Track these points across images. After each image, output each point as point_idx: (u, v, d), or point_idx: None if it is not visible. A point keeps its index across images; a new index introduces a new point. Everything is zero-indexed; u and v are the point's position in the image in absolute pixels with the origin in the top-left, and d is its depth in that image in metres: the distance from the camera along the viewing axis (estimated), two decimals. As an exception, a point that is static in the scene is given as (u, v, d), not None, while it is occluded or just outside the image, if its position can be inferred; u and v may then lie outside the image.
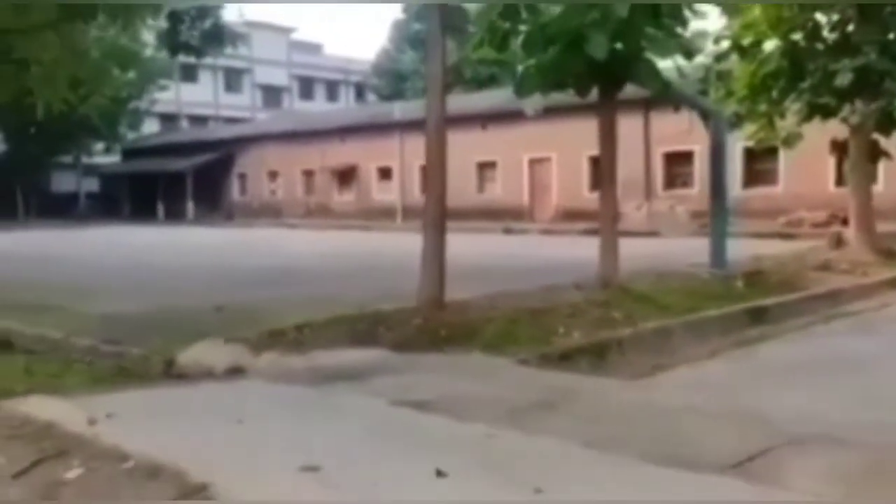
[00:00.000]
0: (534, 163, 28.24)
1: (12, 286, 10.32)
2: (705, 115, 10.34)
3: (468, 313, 6.73)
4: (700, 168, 22.57)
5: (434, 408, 4.15)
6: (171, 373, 5.57)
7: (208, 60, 31.81)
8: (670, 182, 25.30)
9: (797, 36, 12.45)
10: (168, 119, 48.50)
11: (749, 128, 13.46)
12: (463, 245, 10.94)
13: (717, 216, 10.18)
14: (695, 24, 10.41)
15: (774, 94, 12.61)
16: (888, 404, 4.62)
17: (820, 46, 12.37)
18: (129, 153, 44.23)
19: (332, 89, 57.20)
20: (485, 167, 29.41)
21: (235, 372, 5.38)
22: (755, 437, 3.55)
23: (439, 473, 2.98)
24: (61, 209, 40.89)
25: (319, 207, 34.94)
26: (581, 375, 5.28)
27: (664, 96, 9.52)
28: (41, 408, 4.03)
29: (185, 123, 49.88)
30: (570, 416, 4.13)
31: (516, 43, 7.94)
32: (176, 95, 46.78)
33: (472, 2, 8.39)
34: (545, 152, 27.56)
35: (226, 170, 39.17)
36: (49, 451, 3.34)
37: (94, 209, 43.20)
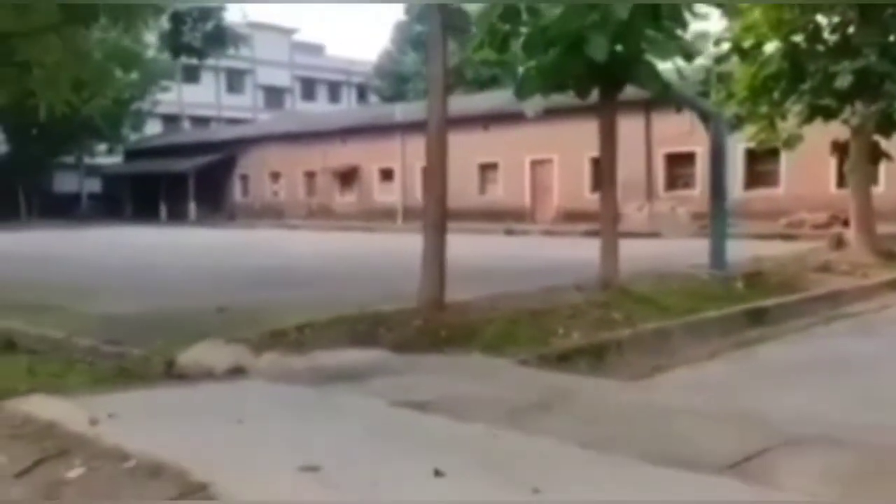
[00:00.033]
0: (535, 164, 28.26)
1: (15, 286, 10.36)
2: (705, 117, 10.36)
3: (468, 314, 6.74)
4: (701, 169, 22.57)
5: (434, 408, 4.17)
6: (172, 373, 5.60)
7: (210, 61, 31.88)
8: (672, 183, 25.31)
9: (798, 38, 12.47)
10: (170, 120, 48.58)
11: (750, 129, 13.47)
12: (464, 246, 10.96)
13: (717, 217, 10.19)
14: (696, 26, 10.47)
15: (775, 95, 12.63)
16: (887, 406, 4.63)
17: (820, 48, 12.38)
18: (132, 154, 44.32)
19: (334, 90, 57.27)
20: (486, 168, 29.43)
21: (236, 372, 5.40)
22: (753, 438, 3.57)
23: (437, 473, 3.00)
24: (63, 210, 40.97)
25: (321, 208, 34.98)
26: (580, 376, 5.30)
27: (664, 98, 9.53)
28: (43, 407, 4.05)
29: (187, 124, 49.95)
30: (568, 417, 4.15)
31: (517, 45, 7.96)
32: (178, 96, 46.85)
33: (473, 2, 8.41)
34: (547, 153, 27.58)
35: (228, 171, 39.22)
36: (51, 450, 3.36)
37: (97, 210, 43.28)
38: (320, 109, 51.14)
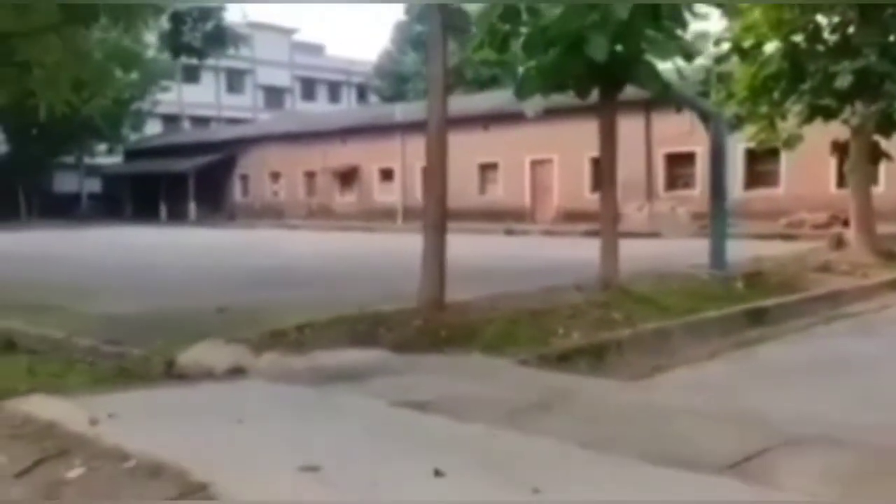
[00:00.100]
0: (535, 164, 28.26)
1: (15, 286, 10.36)
2: (705, 117, 10.36)
3: (468, 314, 6.75)
4: (702, 169, 22.58)
5: (434, 408, 4.17)
6: (173, 373, 5.60)
7: (210, 61, 31.88)
8: (672, 183, 25.31)
9: (798, 38, 12.47)
10: (170, 120, 48.59)
11: (750, 129, 13.47)
12: (464, 246, 10.96)
13: (716, 217, 10.20)
14: (696, 26, 10.46)
15: (775, 95, 12.63)
16: (887, 406, 4.63)
17: (821, 48, 12.38)
18: (132, 154, 44.33)
19: (334, 90, 57.29)
20: (486, 168, 29.43)
21: (236, 372, 5.40)
22: (753, 438, 3.57)
23: (437, 473, 3.00)
24: (63, 209, 40.98)
25: (321, 208, 34.99)
26: (580, 376, 5.30)
27: (664, 98, 9.53)
28: (43, 407, 4.06)
29: (187, 124, 49.96)
30: (568, 417, 4.15)
31: (517, 45, 7.96)
32: (178, 96, 46.87)
33: (473, 1, 8.41)
34: (547, 153, 27.58)
35: (228, 171, 39.23)
36: (51, 450, 3.36)
37: (97, 210, 43.30)
38: (320, 109, 51.16)
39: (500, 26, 7.84)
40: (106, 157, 43.30)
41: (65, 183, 44.45)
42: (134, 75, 36.96)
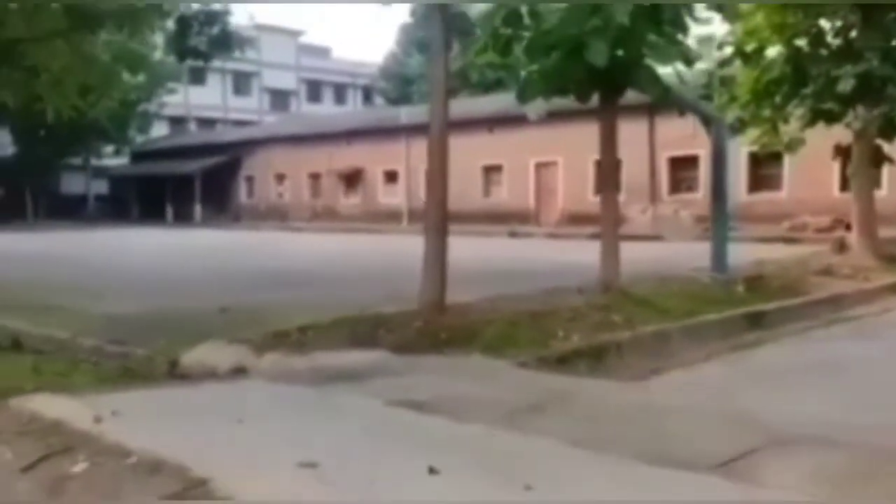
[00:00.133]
0: (540, 167, 28.32)
1: (21, 286, 10.47)
2: (707, 121, 10.40)
3: (469, 316, 6.80)
4: (705, 172, 22.57)
5: (432, 408, 4.23)
6: (175, 373, 5.67)
7: (217, 64, 31.96)
8: (675, 186, 25.35)
9: (801, 42, 12.51)
10: (177, 122, 48.81)
11: (752, 133, 13.51)
12: (467, 248, 11.02)
13: (718, 221, 10.24)
14: (701, 30, 10.50)
15: (777, 99, 12.66)
16: (881, 408, 4.67)
17: (823, 52, 12.42)
18: (138, 156, 44.56)
19: (339, 92, 57.46)
20: (491, 171, 29.51)
21: (238, 372, 5.47)
22: (744, 438, 3.62)
23: (432, 471, 3.06)
24: (70, 211, 41.22)
25: (326, 210, 35.10)
26: (578, 378, 5.35)
27: (665, 102, 9.58)
28: (48, 406, 4.14)
29: (193, 126, 50.19)
30: (565, 417, 4.20)
31: (519, 49, 8.02)
32: (184, 98, 47.08)
33: (475, 1, 8.48)
34: (551, 156, 27.64)
35: (233, 172, 39.39)
36: (56, 446, 3.44)
37: (103, 211, 43.52)
38: (326, 111, 51.34)
39: (503, 30, 7.91)
40: (113, 159, 43.54)
41: (72, 184, 44.70)
42: (140, 77, 37.05)
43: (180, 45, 11.00)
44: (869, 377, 5.64)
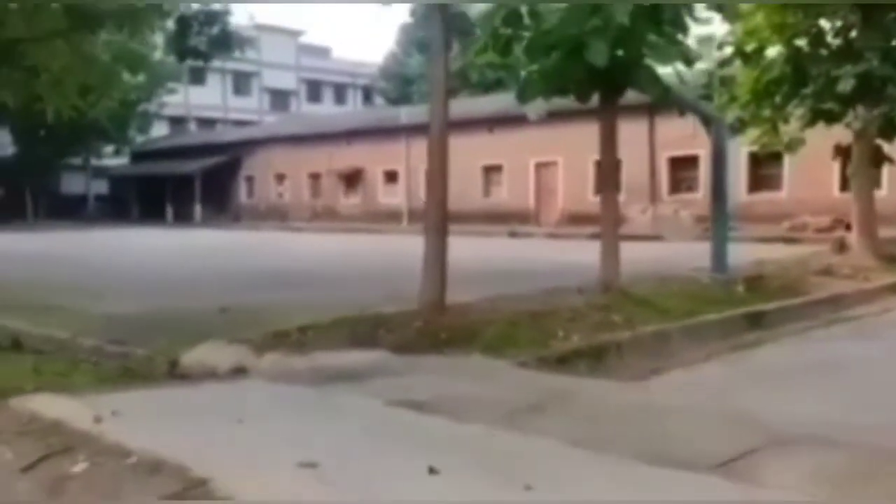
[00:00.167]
0: (540, 167, 28.33)
1: (21, 286, 10.48)
2: (706, 121, 10.41)
3: (469, 316, 6.80)
4: (705, 172, 22.57)
5: (432, 408, 4.23)
6: (175, 373, 5.68)
7: (217, 64, 31.99)
8: (675, 186, 25.36)
9: (801, 42, 12.52)
10: (177, 122, 48.83)
11: (752, 133, 13.51)
12: (467, 248, 11.02)
13: (718, 221, 10.24)
14: (702, 30, 10.49)
15: (777, 99, 12.67)
16: (880, 407, 4.68)
17: (823, 52, 12.42)
18: (138, 156, 44.58)
19: (339, 92, 57.48)
20: (491, 171, 29.52)
21: (238, 372, 5.48)
22: (744, 438, 3.63)
23: (432, 471, 3.07)
24: (70, 211, 41.24)
25: (326, 210, 35.12)
26: (578, 378, 5.35)
27: (664, 102, 9.59)
28: (49, 406, 4.14)
29: (193, 126, 50.21)
30: (564, 417, 4.21)
31: (519, 49, 8.02)
32: (185, 98, 47.09)
33: (476, 1, 8.48)
34: (551, 156, 27.65)
35: (233, 172, 39.41)
36: (56, 446, 3.44)
37: (103, 211, 43.54)
38: (326, 111, 51.36)
39: (503, 30, 7.91)
40: (113, 159, 43.56)
41: (72, 184, 44.72)
42: (141, 77, 37.08)
43: (180, 45, 11.01)
44: (869, 377, 5.64)
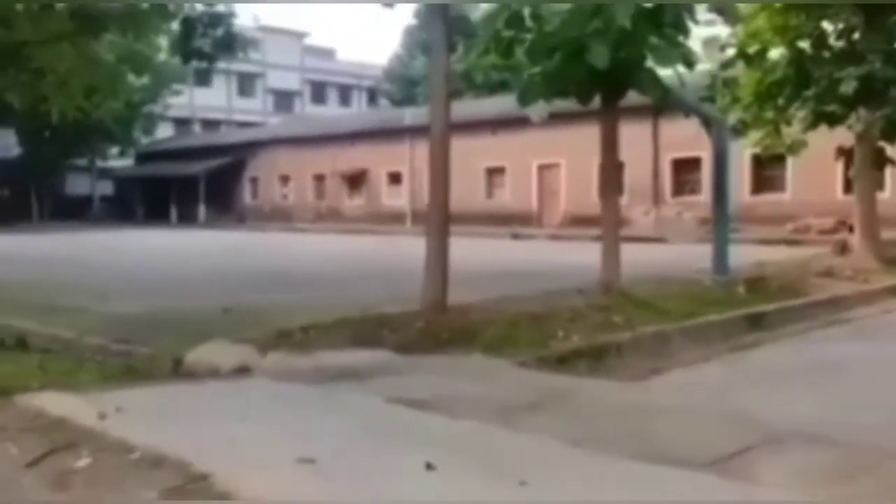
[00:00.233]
0: (543, 168, 28.36)
1: (27, 287, 10.55)
2: (708, 123, 10.44)
3: (470, 316, 6.85)
4: (708, 175, 22.53)
5: (431, 406, 4.28)
6: (180, 372, 5.73)
7: (222, 65, 32.03)
8: (679, 188, 25.36)
9: (803, 44, 12.54)
10: (182, 123, 48.97)
11: (755, 135, 13.53)
12: (470, 250, 11.07)
13: (719, 223, 10.28)
14: (705, 32, 10.50)
15: (780, 101, 12.69)
16: (875, 408, 4.71)
17: (826, 54, 12.44)
18: (143, 157, 44.73)
19: (344, 94, 57.57)
20: (494, 172, 29.55)
21: (242, 371, 5.53)
22: (739, 436, 3.67)
23: (429, 466, 3.12)
24: (75, 212, 41.36)
25: (330, 211, 35.19)
26: (578, 377, 5.40)
27: (665, 103, 9.62)
28: (53, 403, 4.20)
29: (198, 127, 50.35)
30: (562, 416, 4.25)
31: (521, 51, 8.07)
32: (189, 100, 47.23)
33: (479, 2, 8.53)
34: (554, 158, 27.67)
35: (238, 174, 39.52)
36: (60, 442, 3.50)
37: (108, 212, 43.66)
38: (330, 113, 51.45)
39: (505, 32, 7.96)
40: (118, 160, 43.71)
41: (77, 185, 44.86)
42: (145, 79, 37.27)
43: (185, 46, 11.08)
44: (867, 378, 5.67)
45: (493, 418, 4.04)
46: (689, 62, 8.06)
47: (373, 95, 56.47)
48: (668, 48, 7.88)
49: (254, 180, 39.37)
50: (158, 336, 6.53)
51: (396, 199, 32.55)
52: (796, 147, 13.21)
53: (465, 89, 36.53)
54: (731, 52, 13.04)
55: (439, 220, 7.08)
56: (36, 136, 37.53)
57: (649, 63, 7.99)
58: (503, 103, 27.18)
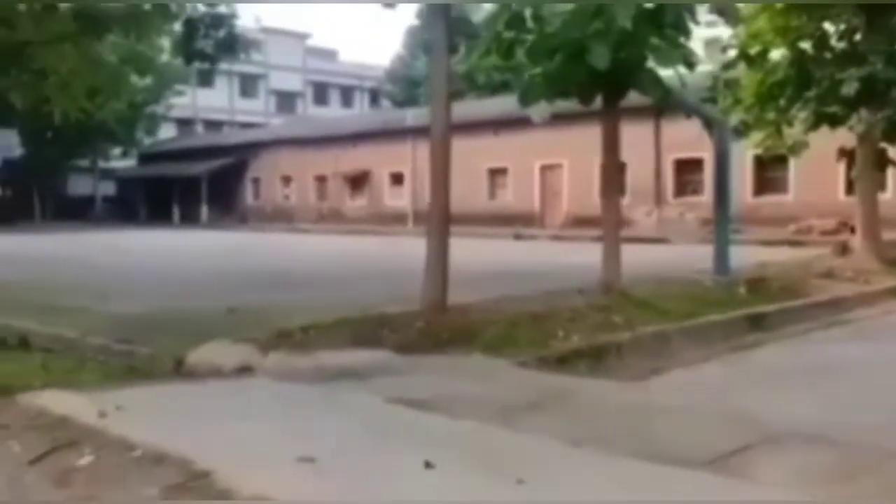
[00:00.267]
0: (545, 169, 28.37)
1: (30, 287, 10.58)
2: (709, 123, 10.45)
3: (470, 316, 6.86)
4: (711, 175, 22.56)
5: (431, 406, 4.30)
6: (182, 371, 5.75)
7: (224, 66, 32.12)
8: (681, 189, 25.35)
9: (805, 45, 12.54)
10: (184, 124, 49.05)
11: (756, 136, 13.54)
12: (472, 250, 11.09)
13: (720, 223, 10.28)
14: (707, 32, 10.49)
15: (781, 102, 12.68)
16: (874, 408, 4.72)
17: (827, 55, 12.44)
18: (146, 157, 44.81)
19: (346, 95, 57.62)
20: (496, 173, 29.57)
21: (243, 371, 5.55)
22: (738, 436, 3.68)
23: (428, 465, 3.14)
24: (77, 212, 41.44)
25: (332, 212, 35.22)
26: (577, 377, 5.41)
27: (666, 104, 9.64)
28: (56, 401, 4.22)
29: (200, 128, 50.42)
30: (562, 416, 4.27)
31: (522, 52, 8.09)
32: (192, 100, 47.31)
33: (480, 2, 8.54)
34: (557, 159, 27.68)
35: (240, 174, 39.57)
36: (62, 440, 3.53)
37: (111, 212, 43.74)
38: (333, 114, 51.50)
39: (506, 33, 7.98)
40: (120, 161, 43.80)
41: (79, 186, 44.95)
42: (148, 80, 37.35)
43: (187, 47, 11.12)
44: (867, 379, 5.68)
45: (493, 418, 4.05)
46: (690, 63, 8.07)
47: (375, 96, 56.51)
48: (669, 49, 7.89)
49: (256, 181, 39.42)
50: (160, 336, 6.55)
51: (398, 200, 32.57)
52: (798, 148, 13.22)
53: (467, 90, 36.55)
54: (732, 53, 13.04)
55: (440, 220, 7.10)
56: (38, 137, 37.59)
57: (650, 64, 8.00)
58: (505, 104, 27.18)
